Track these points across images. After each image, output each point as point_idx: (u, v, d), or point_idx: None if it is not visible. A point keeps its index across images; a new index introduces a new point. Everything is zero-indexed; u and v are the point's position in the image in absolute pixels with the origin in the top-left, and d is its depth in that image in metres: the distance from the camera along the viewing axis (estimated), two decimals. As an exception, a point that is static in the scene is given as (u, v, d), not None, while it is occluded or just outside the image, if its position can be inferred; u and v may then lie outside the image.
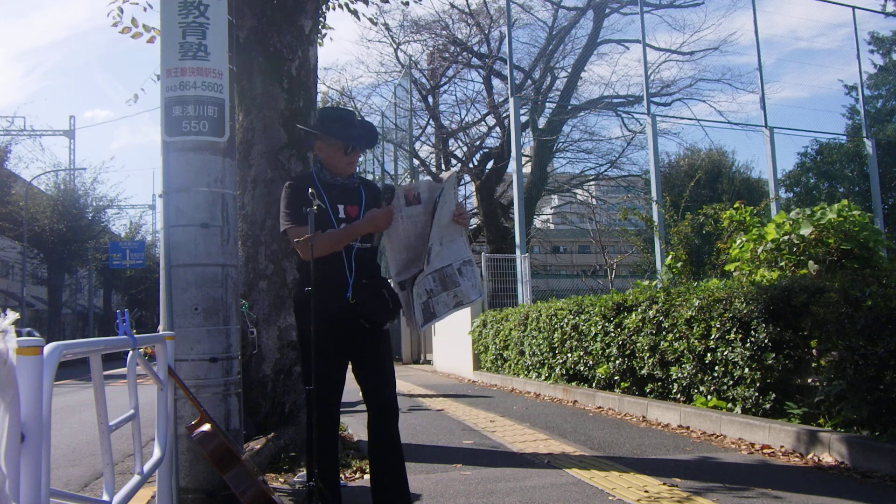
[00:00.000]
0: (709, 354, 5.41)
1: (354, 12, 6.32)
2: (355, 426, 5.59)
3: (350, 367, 3.00)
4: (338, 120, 3.05)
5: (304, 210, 2.73)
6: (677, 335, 5.79)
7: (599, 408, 6.82)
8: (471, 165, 21.11)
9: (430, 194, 2.93)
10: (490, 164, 20.66)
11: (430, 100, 21.43)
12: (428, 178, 3.11)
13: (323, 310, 2.76)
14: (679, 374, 5.80)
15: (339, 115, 3.18)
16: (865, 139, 16.37)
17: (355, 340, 2.90)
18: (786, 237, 5.75)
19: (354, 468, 4.12)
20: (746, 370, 5.01)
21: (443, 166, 22.04)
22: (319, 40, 5.61)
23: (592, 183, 23.47)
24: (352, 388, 3.05)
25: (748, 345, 4.96)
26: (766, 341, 4.82)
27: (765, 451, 4.41)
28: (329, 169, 2.99)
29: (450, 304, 2.90)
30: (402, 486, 2.89)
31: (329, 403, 2.88)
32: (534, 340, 9.06)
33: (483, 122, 21.62)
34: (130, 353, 2.29)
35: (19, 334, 1.43)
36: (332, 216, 2.88)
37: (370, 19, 6.83)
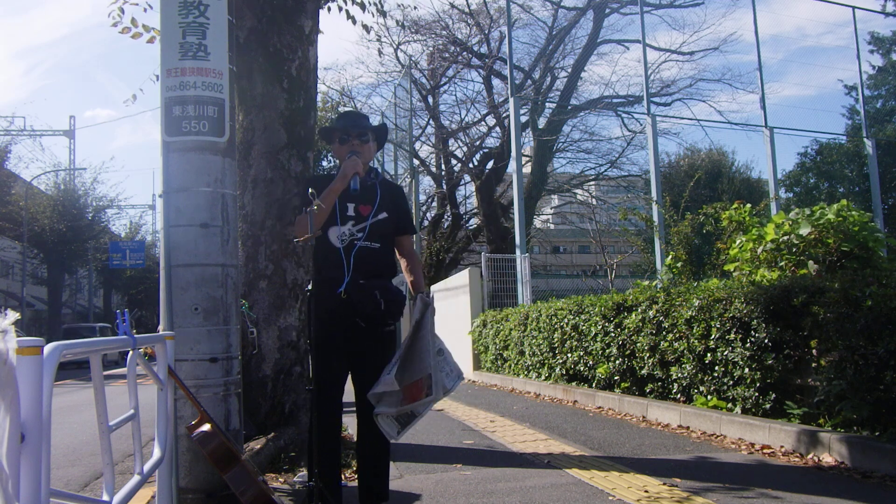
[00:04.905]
0: (709, 354, 5.41)
1: (352, 17, 6.28)
2: (355, 426, 5.58)
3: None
4: (338, 118, 3.33)
5: (304, 210, 2.80)
6: (677, 335, 5.78)
7: (599, 408, 6.82)
8: (471, 165, 21.11)
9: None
10: (490, 164, 20.67)
11: (430, 100, 21.43)
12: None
13: (323, 305, 2.83)
14: (679, 374, 5.80)
15: (341, 114, 3.48)
16: (865, 139, 16.38)
17: (356, 339, 2.91)
18: (785, 237, 5.75)
19: (355, 468, 4.12)
20: (746, 370, 5.01)
21: (443, 166, 22.04)
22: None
23: (592, 183, 23.49)
24: (351, 388, 3.06)
25: (748, 345, 4.96)
26: (766, 341, 4.82)
27: (765, 451, 4.41)
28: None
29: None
30: (383, 471, 3.06)
31: (330, 401, 2.89)
32: (534, 340, 9.06)
33: (483, 122, 21.66)
34: (130, 353, 2.29)
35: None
36: (339, 213, 2.95)
37: (364, 26, 6.75)
